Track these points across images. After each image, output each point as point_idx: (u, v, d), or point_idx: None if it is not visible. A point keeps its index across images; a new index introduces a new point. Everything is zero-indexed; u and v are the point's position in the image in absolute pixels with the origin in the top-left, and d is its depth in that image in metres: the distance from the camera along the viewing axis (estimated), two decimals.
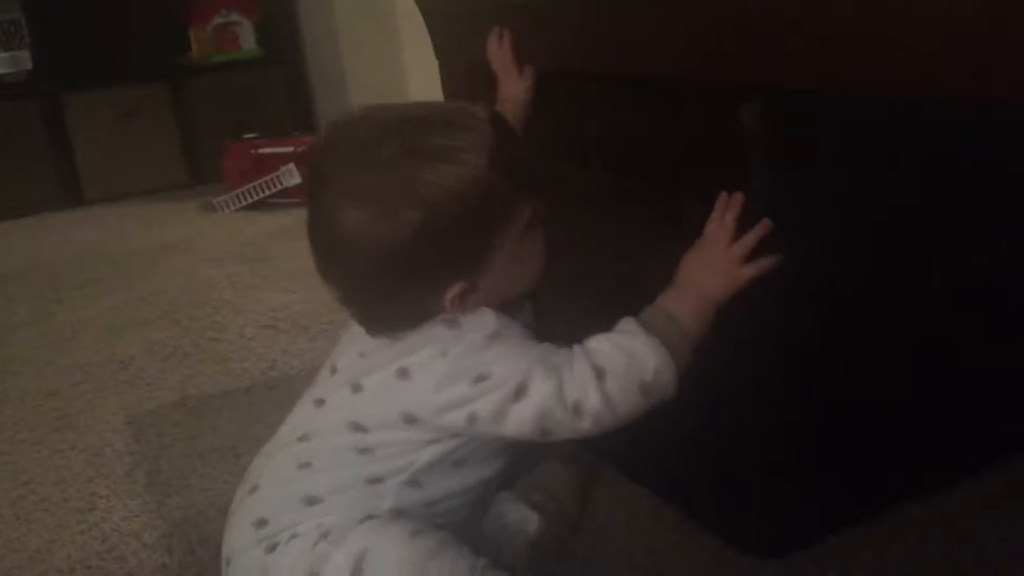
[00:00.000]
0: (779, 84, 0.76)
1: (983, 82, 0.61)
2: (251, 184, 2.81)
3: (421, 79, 2.35)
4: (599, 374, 0.79)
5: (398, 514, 0.83)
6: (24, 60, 3.11)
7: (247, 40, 3.36)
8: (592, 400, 0.78)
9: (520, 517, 0.95)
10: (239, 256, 2.33)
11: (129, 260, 2.42)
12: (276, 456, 0.88)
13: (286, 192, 2.78)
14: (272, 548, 0.82)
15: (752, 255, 0.83)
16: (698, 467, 1.01)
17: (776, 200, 0.84)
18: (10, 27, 3.10)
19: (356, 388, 0.84)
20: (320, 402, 0.88)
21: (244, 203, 2.82)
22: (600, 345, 0.81)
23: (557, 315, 0.93)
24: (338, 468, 0.83)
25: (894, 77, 0.66)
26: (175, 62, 3.28)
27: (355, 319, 0.87)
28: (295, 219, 2.64)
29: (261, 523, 0.84)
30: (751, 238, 0.83)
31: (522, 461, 0.96)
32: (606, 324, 0.91)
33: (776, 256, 0.83)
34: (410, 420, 0.81)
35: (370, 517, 0.82)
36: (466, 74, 1.25)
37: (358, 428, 0.83)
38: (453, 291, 0.80)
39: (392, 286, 0.80)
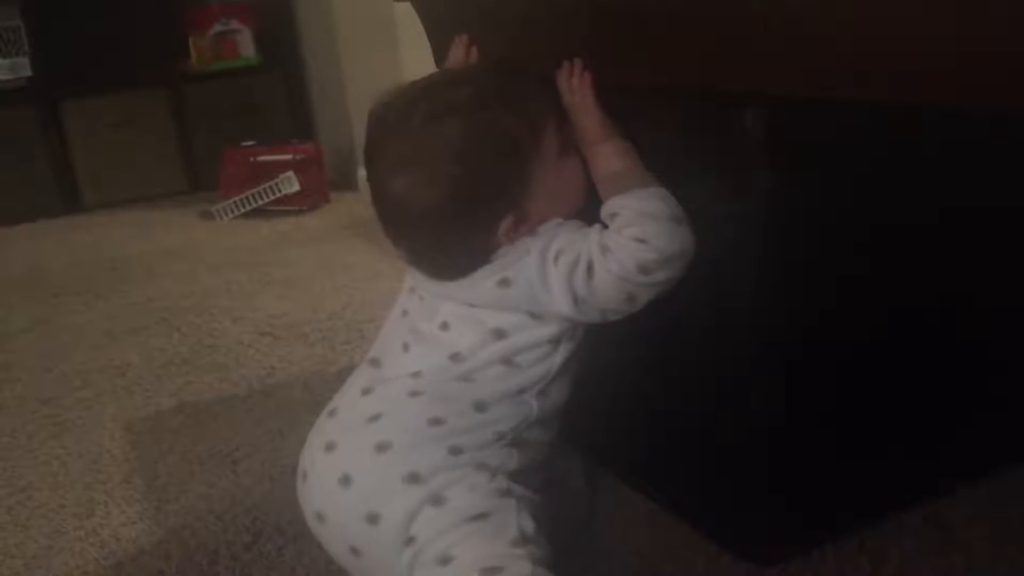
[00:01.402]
0: (783, 90, 0.76)
1: (985, 90, 0.61)
2: (249, 191, 2.81)
3: None
4: (639, 240, 0.86)
5: (534, 434, 0.91)
6: (23, 67, 3.11)
7: (246, 48, 3.37)
8: (650, 257, 0.85)
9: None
10: (237, 263, 2.34)
11: (127, 267, 2.42)
12: (431, 373, 0.90)
13: (284, 199, 2.79)
14: (457, 452, 0.85)
15: None
16: (695, 473, 1.01)
17: (778, 205, 0.85)
18: (9, 34, 3.10)
19: (471, 304, 0.90)
20: (444, 325, 0.91)
21: (242, 210, 2.82)
22: (619, 224, 0.88)
23: None
24: (494, 381, 0.88)
25: (897, 84, 0.66)
26: (174, 69, 3.28)
27: (426, 274, 0.93)
28: (293, 226, 2.65)
29: (437, 421, 0.86)
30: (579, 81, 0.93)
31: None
32: (606, 328, 0.92)
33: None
34: (536, 316, 0.89)
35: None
36: None
37: (501, 334, 0.89)
38: (505, 225, 0.88)
39: (449, 237, 0.89)
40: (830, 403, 0.94)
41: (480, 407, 0.87)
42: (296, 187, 2.78)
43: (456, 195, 0.87)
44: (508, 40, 1.12)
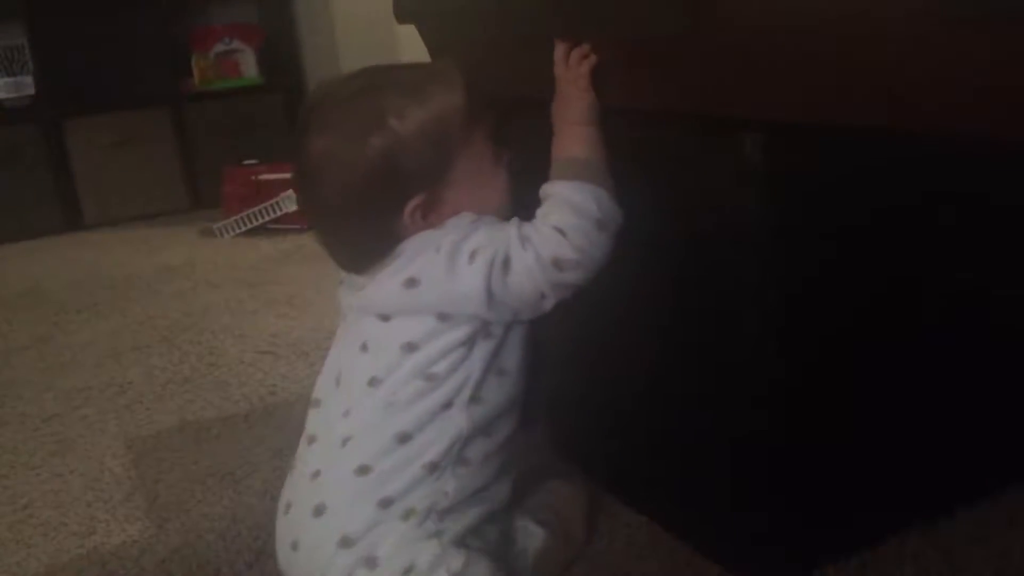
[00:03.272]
0: (780, 117, 0.77)
1: (981, 117, 0.62)
2: (251, 210, 2.82)
3: None
4: (559, 231, 0.85)
5: (477, 448, 0.88)
6: (27, 85, 3.13)
7: (248, 67, 3.39)
8: (567, 253, 0.85)
9: (527, 532, 0.97)
10: (238, 281, 2.34)
11: (128, 285, 2.42)
12: (357, 407, 0.89)
13: (286, 218, 2.79)
14: (386, 504, 0.84)
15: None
16: (696, 495, 1.01)
17: (774, 231, 0.86)
18: (14, 52, 3.12)
19: (384, 317, 0.89)
20: (364, 346, 0.90)
21: (243, 228, 2.83)
22: (546, 210, 0.88)
23: (560, 330, 0.94)
24: (415, 401, 0.86)
25: (893, 112, 0.67)
26: (176, 88, 3.30)
27: (337, 261, 0.93)
28: (295, 245, 2.65)
29: (364, 470, 0.85)
30: (584, 64, 0.94)
31: (528, 476, 1.00)
32: (606, 350, 0.92)
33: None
34: (443, 318, 0.86)
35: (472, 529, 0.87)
36: None
37: (411, 347, 0.87)
38: (413, 204, 0.87)
39: (359, 208, 0.88)
40: (831, 426, 0.94)
41: (403, 439, 0.85)
42: (297, 206, 2.78)
43: (372, 162, 0.86)
44: (512, 63, 1.13)
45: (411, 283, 0.86)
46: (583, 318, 0.99)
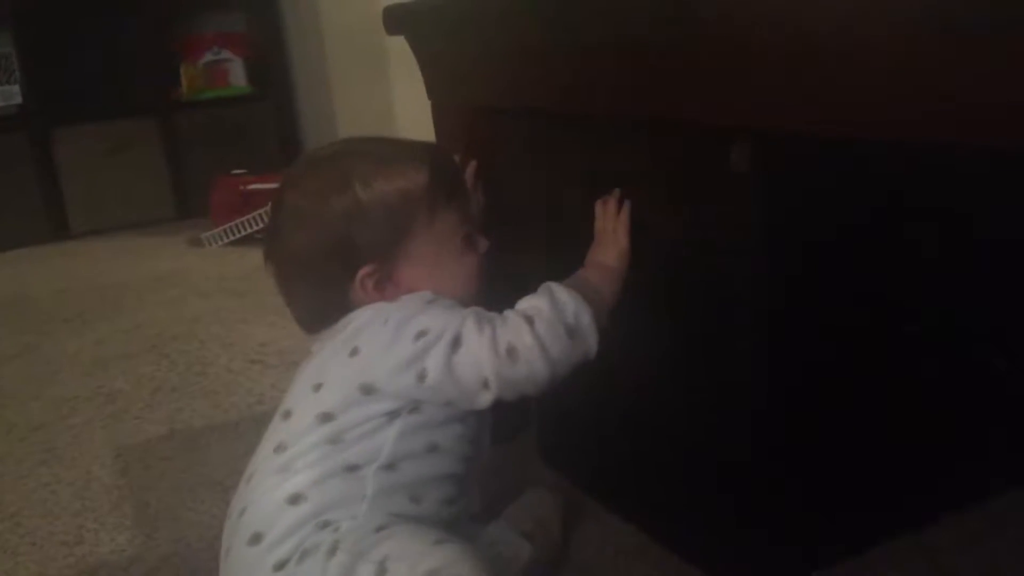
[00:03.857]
0: (769, 126, 0.78)
1: (975, 126, 0.63)
2: (239, 219, 2.82)
3: (410, 117, 2.37)
4: (529, 320, 0.84)
5: (395, 516, 0.83)
6: (14, 94, 3.13)
7: (237, 77, 3.39)
8: (525, 341, 0.83)
9: (513, 546, 0.97)
10: (227, 291, 2.34)
11: (116, 294, 2.42)
12: (255, 474, 0.88)
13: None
14: (280, 566, 0.80)
15: None
16: (684, 504, 1.02)
17: (765, 241, 0.86)
18: (1, 61, 3.12)
19: (317, 387, 0.88)
20: (287, 413, 0.89)
21: (232, 238, 2.83)
22: (526, 301, 0.88)
23: None
24: (315, 464, 0.84)
25: (885, 120, 0.68)
26: (165, 97, 3.30)
27: (294, 316, 0.95)
28: None
29: (256, 538, 0.82)
30: (627, 216, 0.95)
31: (500, 484, 1.00)
32: (597, 359, 0.93)
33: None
34: (368, 390, 0.84)
35: (382, 527, 0.81)
36: (458, 114, 1.27)
37: (326, 418, 0.85)
38: (363, 273, 0.89)
39: (314, 267, 0.90)
40: (821, 434, 0.95)
41: (294, 500, 0.82)
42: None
43: (329, 223, 0.88)
44: (502, 73, 1.14)
45: (353, 352, 0.86)
46: None
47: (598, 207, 0.98)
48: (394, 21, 1.32)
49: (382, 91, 2.84)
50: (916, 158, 0.88)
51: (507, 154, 1.17)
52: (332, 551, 0.79)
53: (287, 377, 1.66)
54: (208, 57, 3.34)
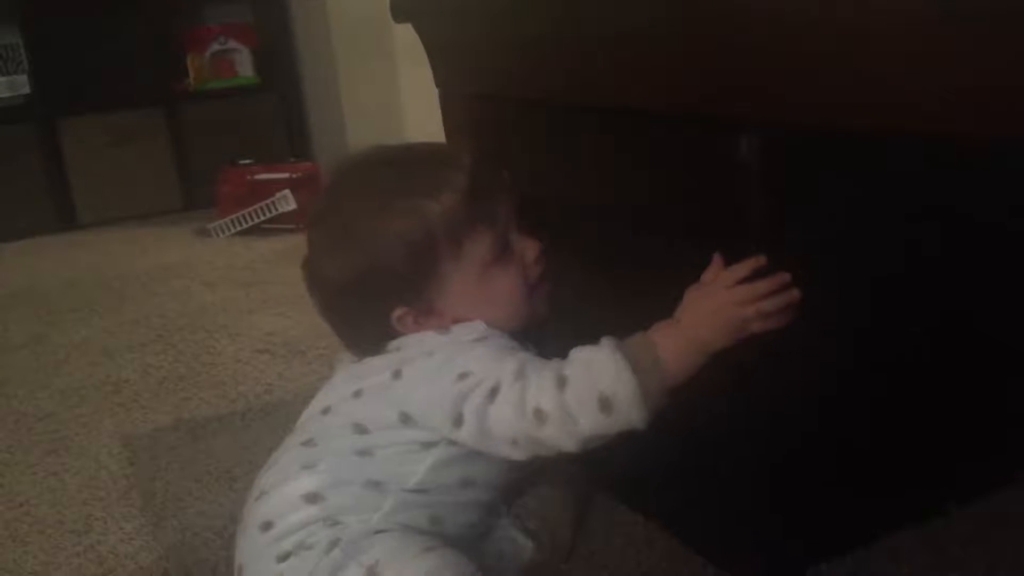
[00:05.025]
0: (778, 118, 0.78)
1: (980, 117, 0.62)
2: (246, 210, 2.82)
3: (418, 107, 2.37)
4: (561, 382, 0.78)
5: (405, 527, 0.82)
6: (22, 84, 3.13)
7: (244, 67, 3.39)
8: (549, 406, 0.77)
9: (515, 544, 0.96)
10: (234, 281, 2.34)
11: (123, 284, 2.42)
12: (281, 460, 0.89)
13: (281, 218, 2.80)
14: (283, 558, 0.81)
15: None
16: (692, 494, 1.02)
17: (772, 235, 0.86)
18: (8, 51, 3.12)
19: (357, 393, 0.87)
20: (326, 410, 0.90)
21: (239, 228, 2.83)
22: (575, 354, 0.81)
23: (560, 329, 0.95)
24: (339, 469, 0.84)
25: (894, 113, 0.68)
26: (172, 88, 3.30)
27: (343, 342, 0.95)
28: (290, 245, 2.65)
29: (267, 526, 0.83)
30: (765, 285, 0.79)
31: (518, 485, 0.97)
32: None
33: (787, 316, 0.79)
34: (405, 419, 0.84)
35: (381, 531, 0.81)
36: (466, 104, 1.27)
37: (361, 430, 0.85)
38: (397, 315, 0.87)
39: (349, 312, 0.90)
40: (827, 426, 0.94)
41: (311, 499, 0.83)
42: (293, 205, 2.79)
43: (347, 277, 0.87)
44: (510, 62, 1.13)
45: (397, 375, 0.85)
46: (581, 318, 1.00)
47: (717, 259, 0.83)
48: (401, 9, 1.31)
49: (389, 80, 2.83)
50: (924, 152, 0.87)
51: (514, 144, 1.17)
52: (331, 547, 0.80)
53: (294, 367, 1.68)
54: (215, 47, 3.33)
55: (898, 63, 0.65)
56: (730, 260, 0.89)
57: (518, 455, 0.81)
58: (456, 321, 0.87)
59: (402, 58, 2.77)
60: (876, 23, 0.66)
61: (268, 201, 2.80)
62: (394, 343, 0.89)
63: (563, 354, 0.86)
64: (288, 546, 0.81)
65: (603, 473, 1.14)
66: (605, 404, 0.77)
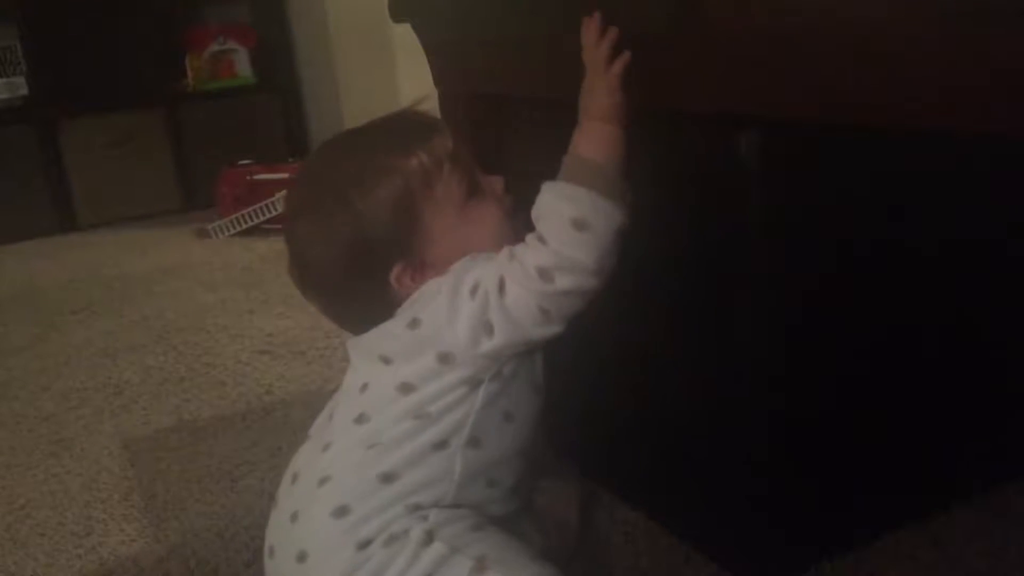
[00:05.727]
0: (778, 115, 0.78)
1: (979, 114, 0.62)
2: (246, 210, 2.82)
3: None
4: (540, 239, 0.82)
5: (476, 510, 0.85)
6: (20, 86, 3.13)
7: (242, 67, 3.38)
8: (545, 260, 0.81)
9: (524, 537, 0.96)
10: (234, 281, 2.34)
11: (123, 285, 2.42)
12: (336, 444, 0.87)
13: (280, 218, 2.79)
14: (365, 545, 0.81)
15: None
16: (694, 492, 1.02)
17: (772, 231, 0.86)
18: (6, 53, 3.12)
19: (385, 360, 0.87)
20: (364, 386, 0.88)
21: (238, 229, 2.83)
22: (534, 212, 0.85)
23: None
24: (403, 441, 0.84)
25: (892, 109, 0.68)
26: (171, 89, 3.30)
27: (339, 324, 0.94)
28: None
29: (342, 511, 0.82)
30: (605, 43, 0.87)
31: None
32: (603, 346, 0.92)
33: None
34: (445, 359, 0.84)
35: (477, 527, 0.82)
36: (465, 102, 1.27)
37: (407, 388, 0.85)
38: (395, 272, 0.87)
39: (348, 283, 0.88)
40: (828, 423, 0.94)
41: (388, 478, 0.83)
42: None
43: (342, 246, 0.86)
44: (509, 61, 1.13)
45: (414, 323, 0.85)
46: (581, 317, 1.00)
47: (587, 36, 0.89)
48: (400, 8, 1.31)
49: (388, 80, 2.83)
50: (924, 151, 0.87)
51: (514, 143, 1.17)
52: (427, 540, 0.80)
53: (294, 367, 1.68)
54: (214, 48, 3.33)
55: (898, 60, 0.65)
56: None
57: (554, 325, 0.83)
58: (448, 264, 0.88)
59: (400, 58, 2.77)
60: (876, 20, 0.66)
61: (268, 201, 2.80)
62: (403, 307, 0.88)
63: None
64: (369, 532, 0.81)
65: (605, 471, 1.14)
66: (579, 224, 0.81)
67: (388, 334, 0.87)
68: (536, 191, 0.86)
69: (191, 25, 3.36)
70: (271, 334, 1.89)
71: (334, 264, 0.87)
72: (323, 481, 0.84)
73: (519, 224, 0.91)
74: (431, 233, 0.87)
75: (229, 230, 2.84)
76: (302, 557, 0.83)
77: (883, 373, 0.96)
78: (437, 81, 1.33)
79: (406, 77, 2.77)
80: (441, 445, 0.84)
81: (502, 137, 1.19)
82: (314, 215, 0.88)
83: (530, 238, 0.83)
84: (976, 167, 0.94)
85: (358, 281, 0.88)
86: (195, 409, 1.56)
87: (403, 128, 0.91)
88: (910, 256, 0.95)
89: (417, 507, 0.82)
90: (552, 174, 0.86)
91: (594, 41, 0.88)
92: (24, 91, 3.13)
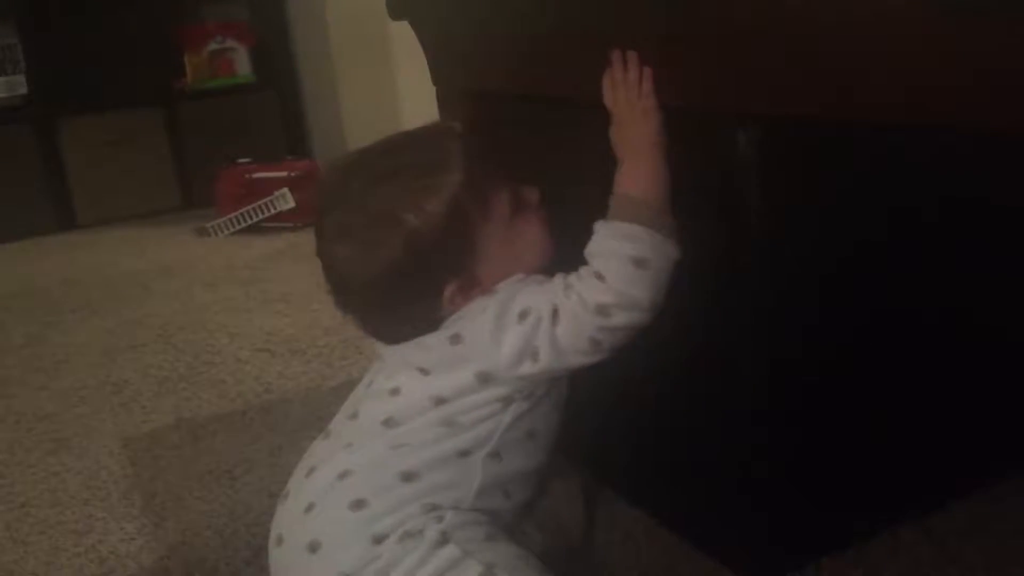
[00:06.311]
0: (776, 111, 0.78)
1: (980, 110, 0.62)
2: (245, 208, 2.82)
3: (415, 105, 2.37)
4: (599, 276, 0.83)
5: (489, 510, 0.86)
6: (19, 84, 3.12)
7: (241, 66, 3.38)
8: (606, 297, 0.82)
9: (524, 538, 0.96)
10: (233, 280, 2.34)
11: (122, 284, 2.42)
12: (359, 443, 0.87)
13: (279, 216, 2.79)
14: (380, 539, 0.81)
15: None
16: (693, 489, 1.02)
17: (771, 226, 0.86)
18: (5, 52, 3.11)
19: (423, 371, 0.87)
20: (395, 391, 0.88)
21: (237, 227, 2.83)
22: (592, 250, 0.86)
23: None
24: (430, 444, 0.85)
25: (890, 104, 0.68)
26: (170, 87, 3.29)
27: (378, 339, 0.92)
28: (288, 243, 2.65)
29: (359, 504, 0.83)
30: (644, 85, 0.88)
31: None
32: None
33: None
34: (485, 379, 0.85)
35: (490, 537, 0.83)
36: (463, 100, 1.27)
37: (440, 401, 0.85)
38: (449, 292, 0.86)
39: (395, 305, 0.87)
40: (825, 420, 0.95)
41: (408, 477, 0.83)
42: (291, 204, 2.78)
43: (393, 267, 0.84)
44: (507, 59, 1.13)
45: (455, 339, 0.85)
46: None
47: (605, 83, 0.91)
48: (398, 6, 1.31)
49: (386, 78, 2.83)
50: (924, 148, 0.87)
51: (513, 140, 1.17)
52: (442, 542, 0.81)
53: (294, 365, 1.68)
54: (212, 46, 3.33)
55: (899, 57, 0.65)
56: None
57: (599, 356, 0.85)
58: (496, 283, 0.88)
59: (399, 56, 2.77)
60: (876, 16, 0.66)
61: (266, 200, 2.80)
62: (447, 322, 0.88)
63: None
64: (384, 528, 0.82)
65: (606, 469, 1.15)
66: (640, 263, 0.83)
67: (428, 347, 0.87)
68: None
69: (190, 24, 3.36)
70: (270, 332, 1.89)
71: (383, 284, 0.86)
72: (344, 475, 0.85)
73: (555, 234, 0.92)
74: (483, 250, 0.87)
75: (228, 228, 2.84)
76: (314, 547, 0.83)
77: (882, 370, 0.96)
78: (435, 79, 1.33)
79: (405, 75, 2.77)
80: (465, 453, 0.85)
81: (501, 134, 1.19)
82: (362, 237, 0.86)
83: (586, 272, 0.84)
84: (977, 165, 0.94)
85: (407, 299, 0.87)
86: (194, 407, 1.56)
87: (441, 144, 0.90)
88: (909, 255, 0.95)
89: (434, 507, 0.83)
90: (553, 176, 0.87)
91: (618, 78, 0.90)
92: (23, 90, 3.13)
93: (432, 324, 0.87)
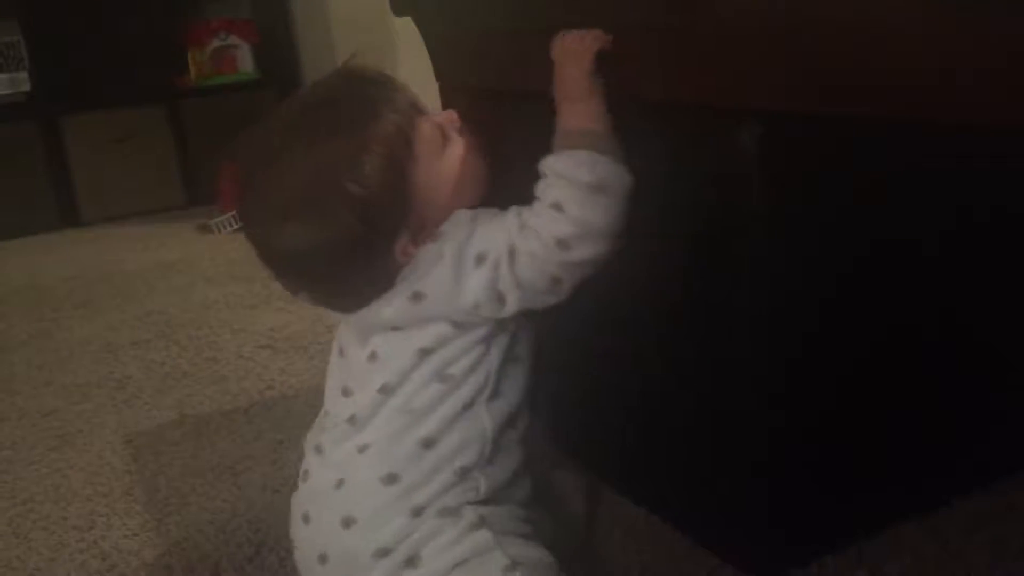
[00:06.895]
0: (779, 106, 0.77)
1: (981, 106, 0.62)
2: None
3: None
4: (556, 207, 0.81)
5: (511, 470, 0.87)
6: (23, 82, 3.13)
7: (245, 62, 3.38)
8: (566, 230, 0.81)
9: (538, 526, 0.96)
10: (236, 276, 2.34)
11: (126, 280, 2.42)
12: (369, 413, 0.86)
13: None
14: (418, 512, 0.82)
15: None
16: (695, 486, 1.02)
17: (771, 224, 0.86)
18: (9, 49, 3.12)
19: (396, 327, 0.86)
20: (373, 356, 0.87)
21: (241, 224, 2.82)
22: (542, 187, 0.84)
23: (559, 323, 0.95)
24: (436, 405, 0.85)
25: (893, 101, 0.67)
26: (173, 84, 3.30)
27: (334, 310, 0.91)
28: None
29: (392, 479, 0.83)
30: (587, 35, 0.89)
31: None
32: (604, 344, 0.92)
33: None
34: (459, 326, 0.84)
35: (525, 535, 0.86)
36: (466, 96, 1.27)
37: (426, 352, 0.85)
38: (400, 243, 0.84)
39: (350, 273, 0.85)
40: (829, 417, 0.94)
41: (428, 444, 0.84)
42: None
43: (344, 237, 0.81)
44: (511, 55, 1.13)
45: (417, 297, 0.84)
46: (581, 311, 1.00)
47: (557, 38, 0.91)
48: (400, 2, 1.31)
49: (390, 73, 2.83)
50: (925, 146, 0.87)
51: (515, 137, 1.17)
52: (477, 524, 0.83)
53: (297, 362, 1.68)
54: (215, 43, 3.33)
55: (901, 53, 0.65)
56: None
57: (563, 294, 0.84)
58: (438, 222, 0.86)
59: (402, 52, 2.76)
60: (878, 11, 0.66)
61: None
62: (402, 274, 0.85)
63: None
64: (421, 500, 0.83)
65: (607, 466, 1.14)
66: (597, 188, 0.81)
67: (391, 307, 0.85)
68: (527, 184, 0.86)
69: (193, 20, 3.36)
70: (273, 329, 1.89)
71: (335, 255, 0.83)
72: (363, 448, 0.85)
73: (485, 152, 0.91)
74: (424, 192, 0.85)
75: (231, 225, 2.83)
76: (348, 523, 0.83)
77: (884, 368, 0.96)
78: (438, 75, 1.33)
79: (407, 71, 2.76)
80: (469, 404, 0.85)
81: (503, 130, 1.18)
82: (304, 212, 0.82)
83: (540, 207, 0.83)
84: (979, 163, 0.93)
85: (362, 265, 0.84)
86: (197, 404, 1.56)
87: (357, 92, 0.87)
88: (910, 252, 0.94)
89: (464, 470, 0.84)
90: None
91: (562, 38, 0.90)
92: (27, 87, 3.13)
93: (390, 279, 0.85)
